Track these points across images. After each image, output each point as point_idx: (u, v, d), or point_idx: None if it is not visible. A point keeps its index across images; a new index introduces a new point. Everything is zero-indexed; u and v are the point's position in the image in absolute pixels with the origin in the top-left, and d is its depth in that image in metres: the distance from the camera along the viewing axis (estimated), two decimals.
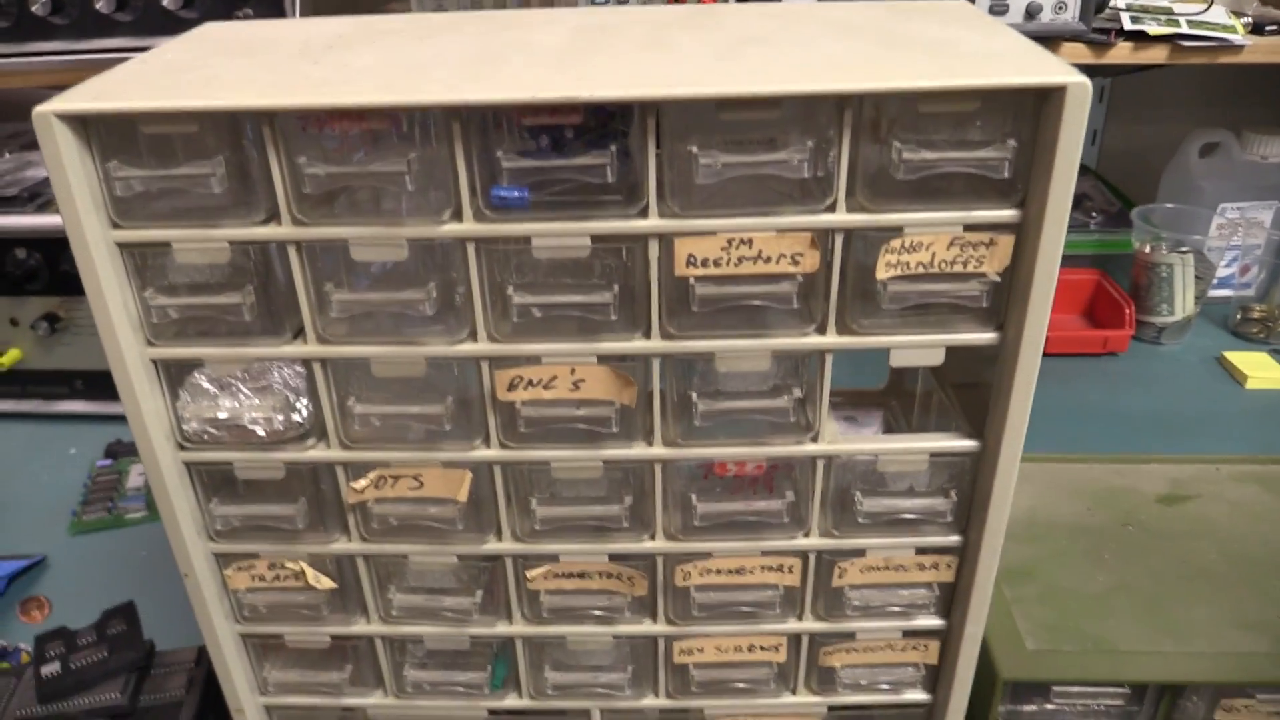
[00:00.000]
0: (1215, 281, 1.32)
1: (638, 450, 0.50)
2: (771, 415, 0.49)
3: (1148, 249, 1.25)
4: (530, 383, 0.48)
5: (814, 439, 0.50)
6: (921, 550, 0.54)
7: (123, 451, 1.13)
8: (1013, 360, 0.47)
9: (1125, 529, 0.72)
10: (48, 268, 1.15)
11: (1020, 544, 0.70)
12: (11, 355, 1.16)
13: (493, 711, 0.61)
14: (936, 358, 0.48)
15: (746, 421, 0.50)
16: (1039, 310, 0.46)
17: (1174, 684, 0.60)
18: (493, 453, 0.51)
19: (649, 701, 0.60)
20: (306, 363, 0.49)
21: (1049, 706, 0.63)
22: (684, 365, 0.49)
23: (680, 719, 0.64)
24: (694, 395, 0.48)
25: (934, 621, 0.56)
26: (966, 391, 0.56)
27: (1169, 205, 1.33)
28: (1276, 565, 0.69)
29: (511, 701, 0.60)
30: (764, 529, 0.53)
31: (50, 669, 0.73)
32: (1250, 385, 1.19)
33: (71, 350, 1.20)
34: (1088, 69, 0.49)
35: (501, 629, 0.57)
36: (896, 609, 0.56)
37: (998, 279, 0.46)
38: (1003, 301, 0.47)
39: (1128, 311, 1.23)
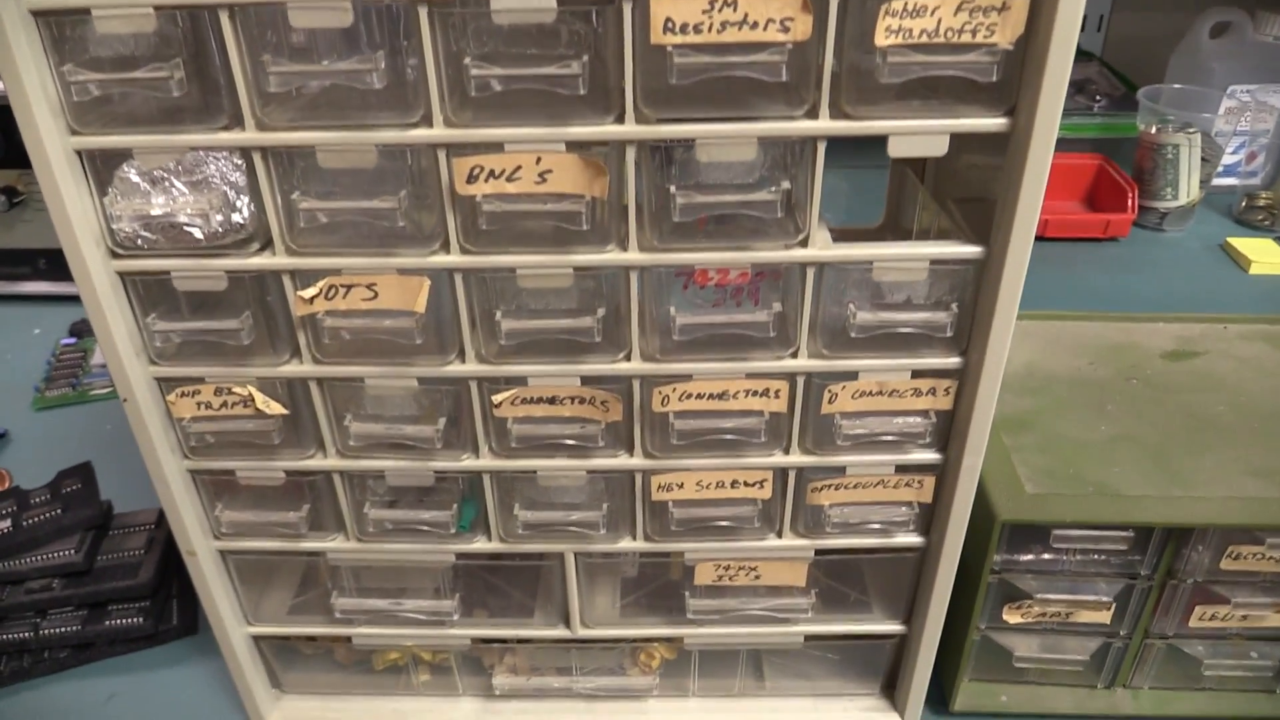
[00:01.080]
0: (1221, 169, 1.27)
1: (611, 255, 0.46)
2: (757, 211, 0.44)
3: (1154, 130, 1.20)
4: (492, 173, 0.44)
5: (803, 244, 0.46)
6: (918, 374, 0.50)
7: (87, 330, 1.08)
8: (1023, 149, 0.43)
9: (1129, 383, 0.69)
10: (4, 137, 1.10)
11: (1018, 395, 0.67)
12: None
13: (461, 557, 0.58)
14: (939, 146, 0.44)
15: (731, 223, 0.46)
16: (1054, 87, 0.41)
17: (1181, 526, 0.57)
18: (453, 258, 0.46)
19: (626, 544, 0.56)
20: (246, 154, 0.45)
21: (1046, 556, 0.60)
22: (662, 155, 0.44)
23: (661, 567, 0.61)
24: (672, 189, 0.44)
25: (930, 455, 0.53)
26: (969, 206, 0.51)
27: (1177, 86, 1.27)
28: None
29: (480, 545, 0.57)
30: (749, 347, 0.49)
31: (0, 525, 0.70)
32: (1254, 270, 1.16)
33: (33, 228, 1.15)
34: None
35: (468, 462, 0.53)
36: (890, 439, 0.52)
37: (1010, 49, 0.41)
38: (1014, 80, 0.42)
39: (1130, 195, 1.19)
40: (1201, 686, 0.65)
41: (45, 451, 0.90)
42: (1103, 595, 0.61)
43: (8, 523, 0.69)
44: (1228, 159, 1.28)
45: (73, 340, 1.08)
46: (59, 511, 0.70)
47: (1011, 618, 0.62)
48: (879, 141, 0.46)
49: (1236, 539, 0.58)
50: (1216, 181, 1.27)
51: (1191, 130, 1.18)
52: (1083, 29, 0.41)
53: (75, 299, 0.48)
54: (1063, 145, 0.42)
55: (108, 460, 0.80)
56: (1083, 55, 1.48)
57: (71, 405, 0.98)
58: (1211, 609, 0.62)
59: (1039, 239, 0.44)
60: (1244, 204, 1.26)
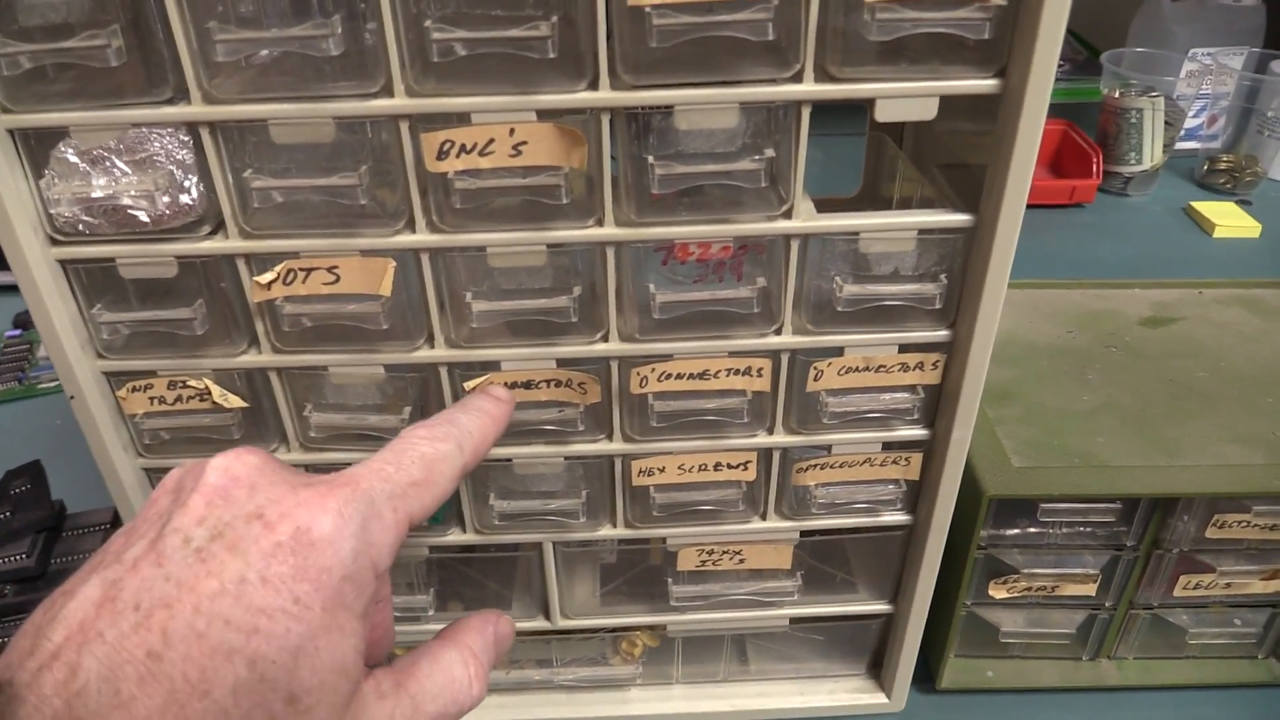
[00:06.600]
0: (1183, 133, 1.27)
1: (588, 231, 0.44)
2: (740, 181, 0.42)
3: (1117, 94, 1.19)
4: (464, 148, 0.41)
5: (788, 215, 0.44)
6: (906, 348, 0.48)
7: (32, 322, 1.04)
8: (1015, 112, 0.41)
9: (1109, 350, 0.68)
10: None
11: (1000, 366, 0.66)
12: None
13: (435, 549, 0.55)
14: (929, 109, 0.42)
15: (712, 195, 0.43)
16: (1049, 45, 0.39)
17: (1168, 496, 0.56)
18: (419, 237, 0.44)
19: (606, 531, 0.54)
20: (193, 130, 0.42)
21: (1033, 530, 0.59)
22: (639, 123, 0.42)
23: (641, 553, 0.59)
24: (650, 159, 0.42)
25: (917, 431, 0.51)
26: (953, 173, 0.50)
27: (1139, 49, 1.27)
28: (1267, 381, 0.65)
29: (454, 537, 0.54)
30: (731, 324, 0.47)
31: None
32: (1218, 234, 1.16)
33: None
34: None
35: None
36: (877, 415, 0.50)
37: (1004, 3, 0.39)
38: (1005, 39, 0.40)
39: (1095, 160, 1.18)
40: (1186, 655, 0.65)
41: None
42: (1089, 568, 0.60)
43: None
44: (1189, 122, 1.28)
45: (17, 332, 1.03)
46: (8, 514, 0.67)
47: (998, 593, 0.61)
48: (855, 108, 0.44)
49: (1223, 507, 0.58)
50: (1179, 145, 1.27)
51: (1154, 94, 1.18)
52: None
53: (17, 288, 0.45)
54: None
55: (58, 457, 0.76)
56: None
57: (18, 400, 0.94)
58: (1196, 578, 0.61)
59: None
60: (1206, 167, 1.26)
